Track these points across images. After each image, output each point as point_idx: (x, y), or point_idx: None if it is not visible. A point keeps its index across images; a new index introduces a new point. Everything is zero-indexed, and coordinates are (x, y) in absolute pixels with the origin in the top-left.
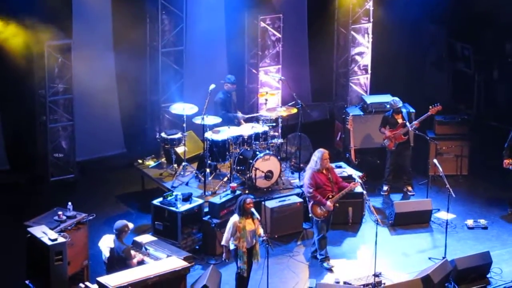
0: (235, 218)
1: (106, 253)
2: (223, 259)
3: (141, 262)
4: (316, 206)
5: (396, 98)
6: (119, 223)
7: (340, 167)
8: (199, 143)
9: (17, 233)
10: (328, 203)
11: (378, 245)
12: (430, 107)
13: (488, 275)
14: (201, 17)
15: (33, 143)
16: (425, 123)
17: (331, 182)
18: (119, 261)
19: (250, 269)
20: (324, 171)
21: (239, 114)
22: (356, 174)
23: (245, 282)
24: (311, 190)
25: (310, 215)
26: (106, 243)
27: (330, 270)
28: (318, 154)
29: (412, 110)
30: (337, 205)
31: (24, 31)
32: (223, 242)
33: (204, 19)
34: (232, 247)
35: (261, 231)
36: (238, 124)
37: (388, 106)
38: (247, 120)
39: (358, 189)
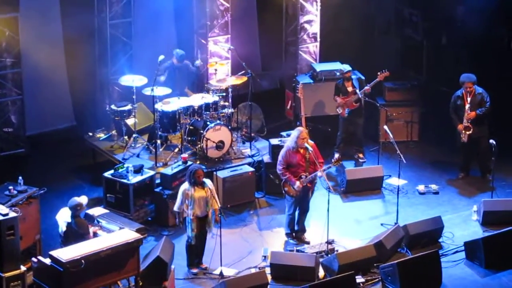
0: (184, 186)
1: (63, 227)
2: (177, 224)
3: (95, 234)
4: (287, 184)
5: (345, 66)
6: (72, 201)
7: (290, 135)
8: (149, 114)
9: None
10: (297, 183)
11: (331, 213)
12: (379, 73)
13: (440, 240)
14: None
15: None
16: (375, 89)
17: (307, 162)
18: (75, 235)
19: (204, 238)
20: (301, 151)
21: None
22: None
23: (197, 251)
24: (280, 167)
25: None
26: (63, 217)
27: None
28: (296, 133)
29: (362, 77)
30: (309, 185)
31: None
32: (174, 208)
33: None
34: (184, 215)
35: (216, 204)
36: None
37: (338, 73)
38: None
39: None
